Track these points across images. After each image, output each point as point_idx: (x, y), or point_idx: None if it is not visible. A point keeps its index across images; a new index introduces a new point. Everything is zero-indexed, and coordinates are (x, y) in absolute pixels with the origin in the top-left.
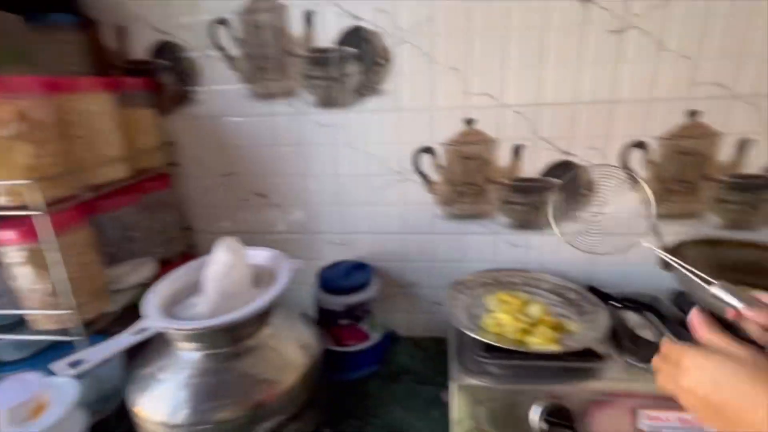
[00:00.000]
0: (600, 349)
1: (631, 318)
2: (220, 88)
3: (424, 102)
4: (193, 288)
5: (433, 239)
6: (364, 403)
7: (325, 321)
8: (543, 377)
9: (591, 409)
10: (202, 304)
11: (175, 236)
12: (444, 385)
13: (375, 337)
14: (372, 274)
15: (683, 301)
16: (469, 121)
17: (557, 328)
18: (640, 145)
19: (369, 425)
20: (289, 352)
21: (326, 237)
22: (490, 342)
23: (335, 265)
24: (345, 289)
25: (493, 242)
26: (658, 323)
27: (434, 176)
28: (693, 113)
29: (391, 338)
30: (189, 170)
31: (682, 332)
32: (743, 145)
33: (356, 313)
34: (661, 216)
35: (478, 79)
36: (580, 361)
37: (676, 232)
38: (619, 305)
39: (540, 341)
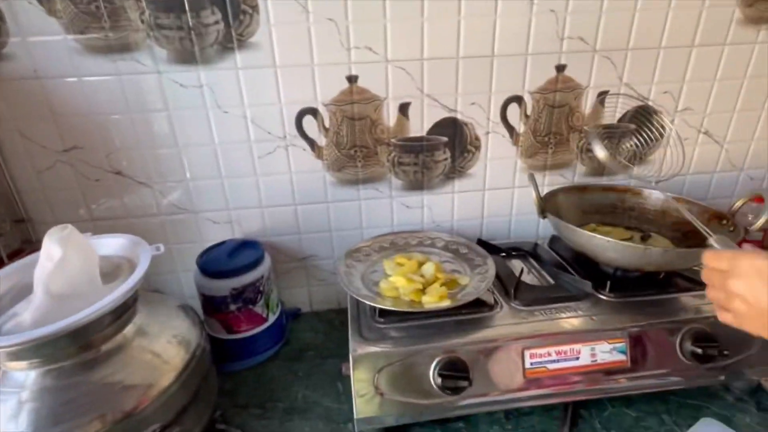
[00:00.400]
0: (489, 298)
1: (517, 265)
2: (38, 39)
3: (302, 57)
4: (24, 292)
5: (327, 208)
6: (265, 389)
7: (212, 309)
8: (438, 334)
9: (484, 357)
10: (27, 311)
11: (3, 231)
12: (347, 357)
13: (273, 318)
14: (261, 252)
15: (558, 245)
16: (352, 79)
17: (450, 284)
18: (517, 99)
19: (270, 411)
20: (163, 350)
21: (209, 215)
22: (384, 307)
23: (216, 247)
24: (229, 272)
25: (388, 206)
26: (539, 267)
27: (321, 140)
28: (561, 67)
29: (294, 316)
30: (13, 147)
31: (558, 272)
32: (602, 97)
33: (247, 295)
34: (538, 167)
35: (357, 31)
36: (471, 312)
37: (552, 182)
38: (505, 254)
39: (433, 299)
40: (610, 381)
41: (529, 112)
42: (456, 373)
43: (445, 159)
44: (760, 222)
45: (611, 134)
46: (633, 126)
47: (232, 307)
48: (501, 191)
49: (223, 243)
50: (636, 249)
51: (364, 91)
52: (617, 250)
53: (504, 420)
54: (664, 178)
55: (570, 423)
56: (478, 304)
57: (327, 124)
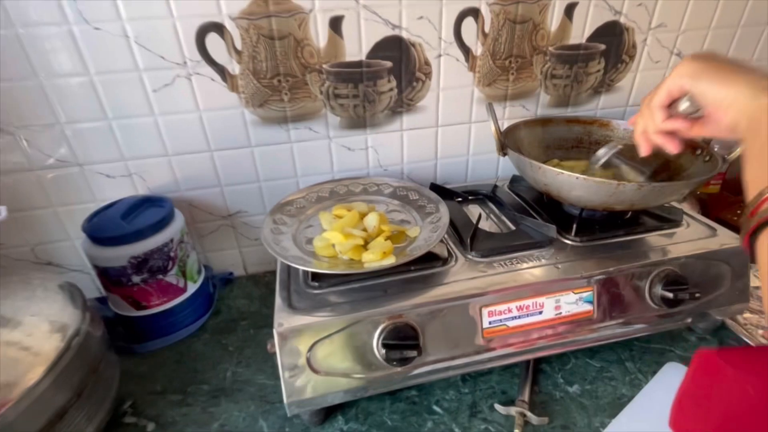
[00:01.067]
0: (441, 251)
1: (474, 211)
2: None
3: None
4: None
5: (252, 154)
6: (188, 369)
7: (110, 283)
8: (382, 297)
9: (436, 320)
10: None
11: None
12: None
13: (194, 287)
14: (169, 210)
15: (520, 186)
16: None
17: (397, 237)
18: (473, 12)
19: (192, 396)
20: (30, 341)
21: (100, 168)
22: (314, 270)
23: (108, 207)
24: (125, 237)
25: (326, 149)
26: (498, 212)
27: (233, 67)
28: None
29: (225, 282)
30: None
31: (520, 217)
32: (571, 11)
33: (153, 264)
34: (498, 98)
35: None
36: (421, 269)
37: (512, 115)
38: (461, 199)
39: (376, 257)
40: (576, 333)
41: (487, 29)
42: (403, 341)
43: (391, 89)
44: (739, 150)
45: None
46: (602, 46)
47: (136, 278)
48: (456, 127)
49: (116, 202)
50: (608, 186)
51: (283, 1)
52: (587, 187)
53: (460, 383)
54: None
55: (531, 380)
56: (429, 259)
57: (238, 45)
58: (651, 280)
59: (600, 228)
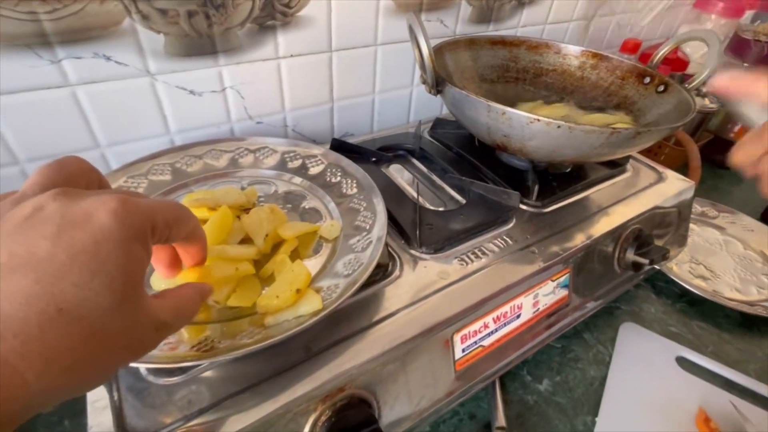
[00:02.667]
0: (383, 257)
1: (398, 176)
2: None
3: None
4: None
5: (19, 103)
6: None
7: None
8: (305, 364)
9: (395, 372)
10: None
11: None
12: None
13: None
14: None
15: (445, 132)
16: None
17: (304, 241)
18: None
19: None
20: None
21: None
22: (159, 365)
23: None
24: None
25: (148, 93)
26: (429, 173)
27: None
28: None
29: None
30: None
31: (465, 180)
32: None
33: None
34: (412, 8)
35: None
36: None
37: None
38: (376, 159)
39: (284, 301)
40: (551, 326)
41: None
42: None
43: None
44: (704, 75)
45: None
46: None
47: None
48: (358, 52)
49: None
50: (600, 135)
51: None
52: (570, 138)
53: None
54: None
55: (500, 393)
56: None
57: None
58: (621, 243)
59: (558, 186)
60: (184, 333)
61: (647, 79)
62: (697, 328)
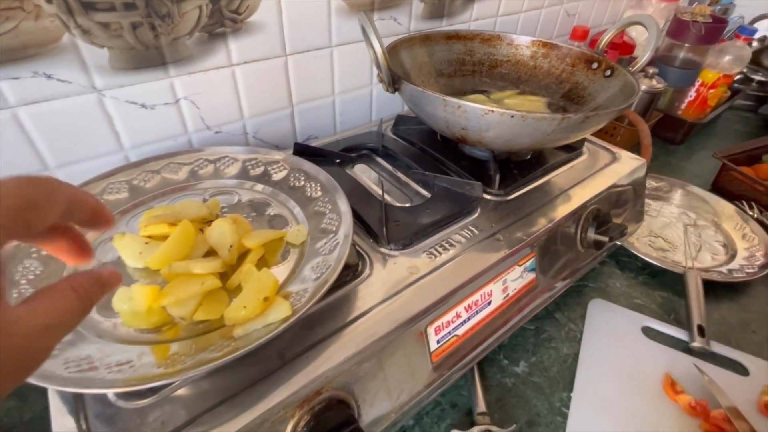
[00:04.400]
0: (349, 256)
1: (364, 175)
2: None
3: None
4: None
5: None
6: None
7: None
8: (280, 372)
9: (372, 370)
10: None
11: None
12: None
13: None
14: None
15: (406, 129)
16: None
17: (271, 248)
18: None
19: None
20: None
21: None
22: (130, 388)
23: None
24: None
25: (97, 110)
26: (394, 170)
27: None
28: None
29: None
30: None
31: (429, 175)
32: None
33: None
34: (364, 7)
35: None
36: (322, 296)
37: (384, 31)
38: (340, 161)
39: (251, 312)
40: (521, 309)
41: None
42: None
43: None
44: (645, 58)
45: None
46: None
47: None
48: (314, 55)
49: None
50: (551, 122)
51: None
52: (524, 126)
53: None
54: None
55: (479, 379)
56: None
57: None
58: (582, 223)
59: (519, 173)
60: (152, 352)
61: (595, 65)
62: (659, 297)
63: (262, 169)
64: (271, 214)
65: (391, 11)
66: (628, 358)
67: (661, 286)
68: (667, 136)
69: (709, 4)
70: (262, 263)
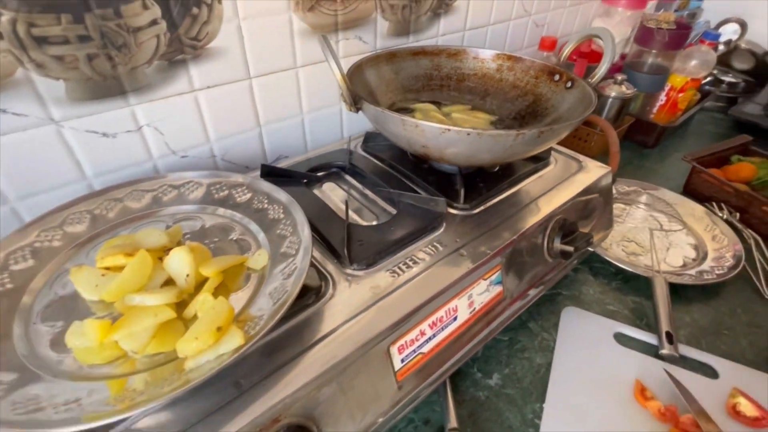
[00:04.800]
0: (310, 278)
1: (332, 194)
2: None
3: None
4: None
5: None
6: None
7: None
8: (237, 402)
9: (333, 394)
10: None
11: None
12: None
13: None
14: None
15: (376, 144)
16: None
17: (232, 274)
18: None
19: None
20: None
21: None
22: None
23: None
24: None
25: (56, 141)
26: (362, 187)
27: None
28: None
29: None
30: None
31: (394, 192)
32: None
33: None
34: (327, 29)
35: None
36: (284, 320)
37: (348, 50)
38: (307, 181)
39: (204, 343)
40: (490, 322)
41: None
42: None
43: (154, 22)
44: (603, 69)
45: None
46: None
47: None
48: (278, 77)
49: None
50: (506, 138)
51: None
52: (481, 143)
53: None
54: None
55: (451, 394)
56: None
57: None
58: (548, 234)
59: (485, 186)
60: (107, 388)
61: (557, 77)
62: (631, 302)
63: (226, 192)
64: (235, 238)
65: (356, 31)
66: (600, 366)
67: (634, 291)
68: (640, 140)
69: (677, 10)
70: (223, 290)
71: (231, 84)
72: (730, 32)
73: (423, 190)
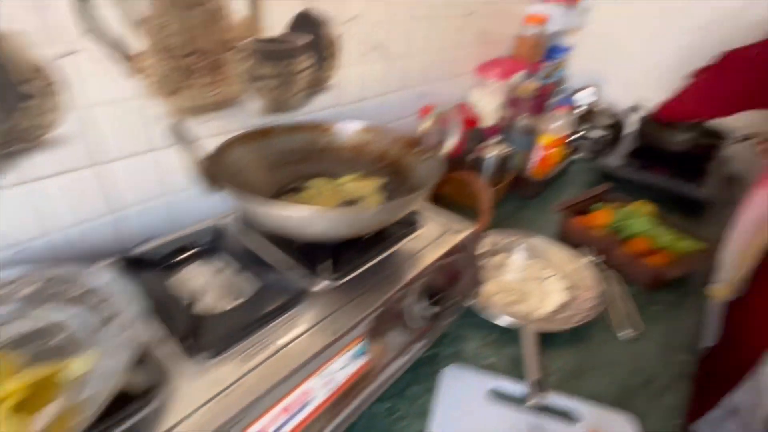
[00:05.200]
0: (136, 381)
1: (196, 276)
2: None
3: None
4: None
5: None
6: None
7: None
8: None
9: None
10: None
11: None
12: None
13: None
14: None
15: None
16: None
17: (46, 387)
18: None
19: None
20: None
21: None
22: None
23: None
24: None
25: None
26: (233, 263)
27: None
28: None
29: None
30: None
31: (263, 270)
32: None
33: None
34: (195, 112)
35: None
36: (115, 423)
37: (223, 129)
38: (168, 265)
39: None
40: (359, 395)
41: (146, 12)
42: None
43: None
44: (449, 143)
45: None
46: (308, 38)
47: None
48: (133, 160)
49: None
50: (348, 214)
51: None
52: (329, 220)
53: None
54: None
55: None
56: (124, 401)
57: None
58: (414, 299)
59: (356, 255)
60: None
61: (416, 149)
62: (507, 354)
63: (57, 289)
64: (57, 341)
65: (227, 111)
66: (474, 427)
67: (512, 341)
68: (521, 192)
69: (545, 77)
70: (38, 402)
71: (73, 172)
72: (584, 97)
73: (289, 265)
